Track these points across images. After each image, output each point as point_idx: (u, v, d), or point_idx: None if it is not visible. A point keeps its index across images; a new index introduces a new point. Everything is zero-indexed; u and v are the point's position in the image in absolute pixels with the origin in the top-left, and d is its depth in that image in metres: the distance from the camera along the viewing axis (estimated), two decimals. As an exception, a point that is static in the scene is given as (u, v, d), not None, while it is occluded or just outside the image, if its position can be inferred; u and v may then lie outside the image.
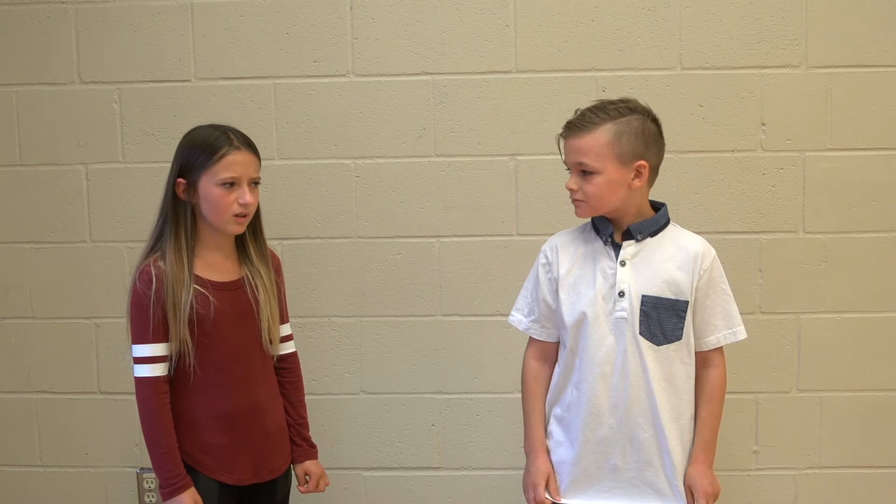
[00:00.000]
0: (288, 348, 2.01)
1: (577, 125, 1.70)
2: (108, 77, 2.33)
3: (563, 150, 1.74)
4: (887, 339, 2.30)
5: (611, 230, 1.76)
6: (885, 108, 2.24)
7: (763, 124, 2.26)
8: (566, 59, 2.27)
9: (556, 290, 1.78)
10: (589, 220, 1.82)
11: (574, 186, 1.72)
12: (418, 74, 2.29)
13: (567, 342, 1.78)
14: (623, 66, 2.26)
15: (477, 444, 2.38)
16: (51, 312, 2.40)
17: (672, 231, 1.79)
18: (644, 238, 1.74)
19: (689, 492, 1.75)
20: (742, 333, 1.80)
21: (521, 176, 2.30)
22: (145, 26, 2.31)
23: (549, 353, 1.84)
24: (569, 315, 1.76)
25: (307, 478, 1.99)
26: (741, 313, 2.25)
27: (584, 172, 1.70)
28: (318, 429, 2.16)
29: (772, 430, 2.33)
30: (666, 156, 2.25)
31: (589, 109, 1.72)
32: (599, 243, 1.77)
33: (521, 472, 1.84)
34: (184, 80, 2.32)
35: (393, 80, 2.30)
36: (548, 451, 1.82)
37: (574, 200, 1.74)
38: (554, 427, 1.82)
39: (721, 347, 1.80)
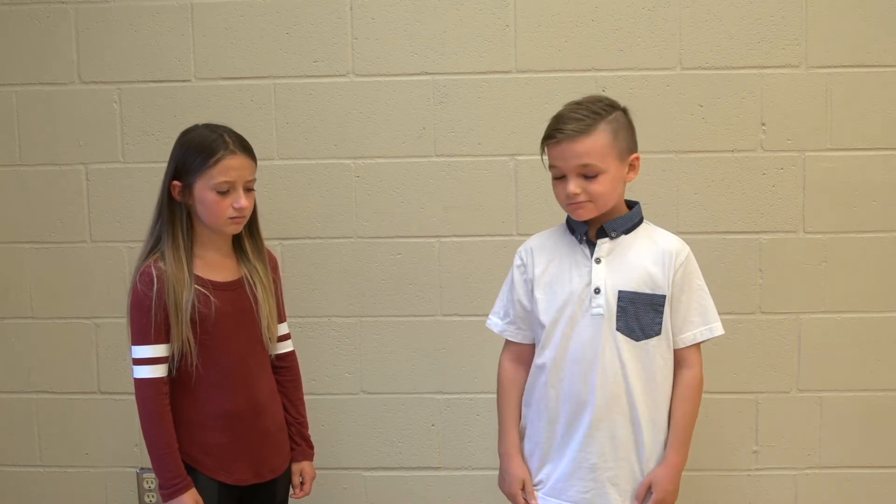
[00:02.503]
0: (286, 347, 2.01)
1: (573, 130, 1.68)
2: (108, 77, 2.33)
3: (550, 157, 1.72)
4: (887, 339, 2.30)
5: (585, 228, 1.76)
6: (885, 108, 2.24)
7: (763, 124, 2.26)
8: (566, 59, 2.27)
9: (532, 291, 1.79)
10: (564, 220, 1.82)
11: (578, 190, 1.69)
12: (418, 74, 2.29)
13: (543, 341, 1.78)
14: (623, 66, 2.26)
15: (477, 444, 2.38)
16: (51, 312, 2.40)
17: (646, 228, 1.80)
18: (618, 235, 1.75)
19: (646, 489, 1.74)
20: (719, 329, 1.79)
21: (521, 176, 2.30)
22: (145, 26, 2.31)
23: (524, 355, 1.84)
24: (545, 314, 1.76)
25: (301, 480, 1.98)
26: (741, 313, 2.29)
27: (587, 175, 1.69)
28: (318, 429, 2.16)
29: (772, 430, 2.33)
30: (666, 156, 2.28)
31: (573, 112, 1.70)
32: (574, 242, 1.77)
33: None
34: (184, 80, 2.32)
35: (393, 80, 2.30)
36: (522, 454, 1.83)
37: (575, 203, 1.71)
38: (530, 427, 1.82)
39: (698, 348, 1.78)
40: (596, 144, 1.68)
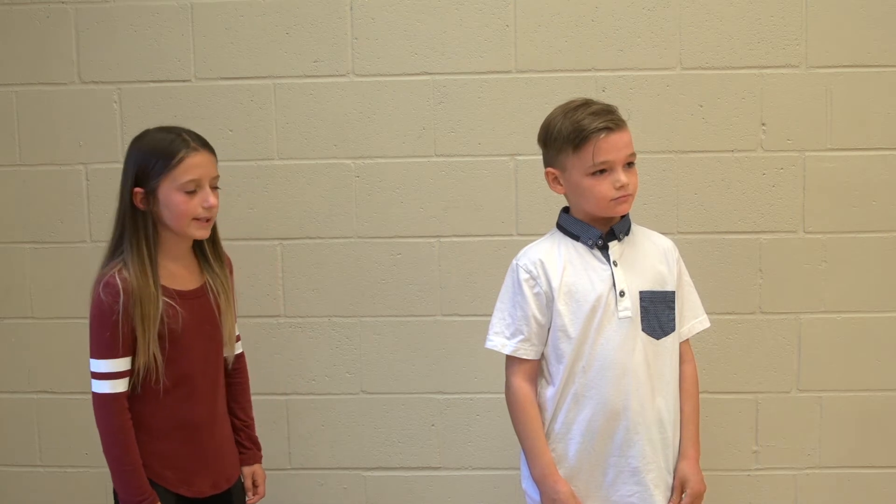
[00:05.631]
0: (237, 349, 1.96)
1: (620, 119, 1.69)
2: (108, 77, 2.33)
3: (600, 151, 1.65)
4: (887, 339, 2.30)
5: (599, 232, 1.73)
6: (885, 108, 2.24)
7: (763, 124, 2.26)
8: (566, 59, 2.27)
9: (547, 305, 1.73)
10: (555, 228, 1.81)
11: (629, 180, 1.67)
12: (418, 74, 2.29)
13: (567, 354, 1.72)
14: (623, 66, 2.26)
15: (477, 444, 2.38)
16: (51, 312, 2.40)
17: (638, 228, 1.81)
18: (624, 237, 1.76)
19: (679, 487, 1.75)
20: (707, 321, 1.84)
21: (521, 176, 2.30)
22: (145, 26, 2.31)
23: (535, 372, 1.77)
24: (572, 324, 1.72)
25: (254, 482, 1.94)
26: (741, 313, 2.29)
27: (629, 164, 1.69)
28: (318, 429, 2.16)
29: (772, 430, 2.33)
30: (666, 156, 2.28)
31: (600, 104, 1.70)
32: (582, 247, 1.75)
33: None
34: (184, 80, 2.32)
35: (393, 80, 2.30)
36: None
37: (625, 196, 1.68)
38: (560, 444, 1.75)
39: (689, 342, 1.83)
40: (630, 134, 1.71)
